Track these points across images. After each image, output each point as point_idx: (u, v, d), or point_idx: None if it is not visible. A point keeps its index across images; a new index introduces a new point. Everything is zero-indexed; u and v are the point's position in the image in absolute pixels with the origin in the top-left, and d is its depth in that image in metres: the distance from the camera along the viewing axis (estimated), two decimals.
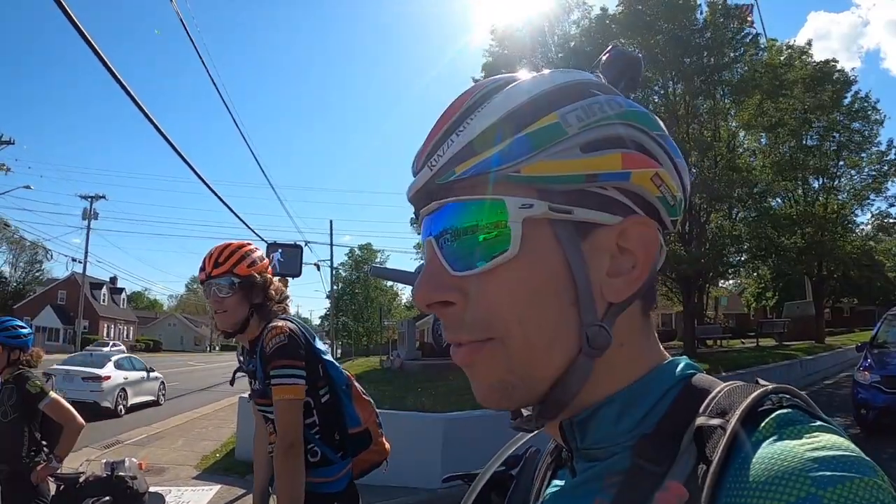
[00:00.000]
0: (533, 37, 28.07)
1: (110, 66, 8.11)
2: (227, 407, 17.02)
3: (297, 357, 2.71)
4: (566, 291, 0.68)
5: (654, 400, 0.70)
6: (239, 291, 2.80)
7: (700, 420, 0.63)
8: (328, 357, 2.96)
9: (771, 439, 0.57)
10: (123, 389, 18.02)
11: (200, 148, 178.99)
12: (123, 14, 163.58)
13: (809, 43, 33.10)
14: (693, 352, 25.09)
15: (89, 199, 63.97)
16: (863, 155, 34.19)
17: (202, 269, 2.84)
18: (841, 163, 34.16)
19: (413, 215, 0.82)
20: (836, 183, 34.95)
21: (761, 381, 0.67)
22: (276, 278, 3.05)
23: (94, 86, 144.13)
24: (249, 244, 2.95)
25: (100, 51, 7.80)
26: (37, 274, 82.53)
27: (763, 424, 0.59)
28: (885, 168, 33.85)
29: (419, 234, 0.79)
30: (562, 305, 0.69)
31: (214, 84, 13.47)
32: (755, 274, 40.34)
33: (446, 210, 0.70)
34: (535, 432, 0.88)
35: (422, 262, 0.84)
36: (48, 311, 68.53)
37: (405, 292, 75.78)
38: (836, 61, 32.47)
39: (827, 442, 0.55)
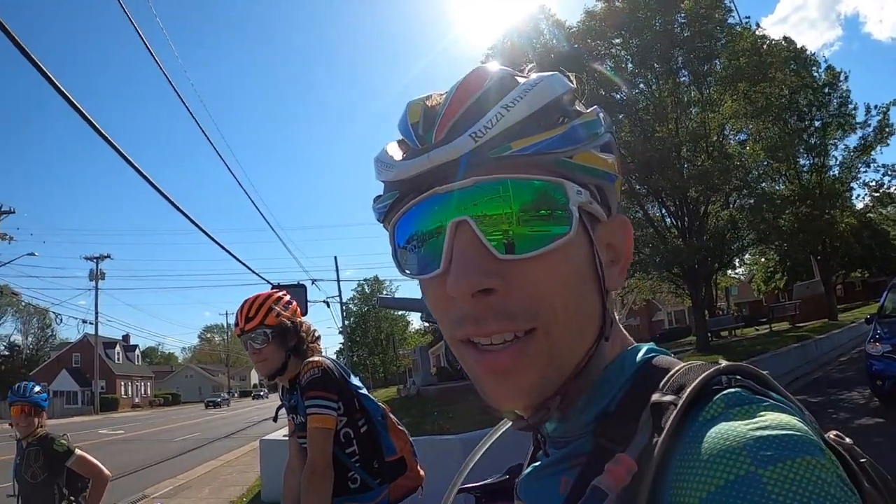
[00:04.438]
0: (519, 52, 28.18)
1: (107, 135, 8.22)
2: (249, 452, 17.07)
3: (329, 389, 2.86)
4: (594, 279, 0.71)
5: (619, 386, 0.72)
6: (273, 340, 2.96)
7: (655, 396, 0.65)
8: (363, 391, 3.12)
9: (719, 417, 0.59)
10: None
11: (201, 197, 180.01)
12: (112, 73, 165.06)
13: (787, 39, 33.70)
14: (707, 344, 25.01)
15: (95, 260, 64.43)
16: (847, 128, 34.76)
17: (236, 324, 3.01)
18: (831, 141, 34.52)
19: (391, 200, 0.72)
20: (826, 161, 35.20)
21: (721, 361, 0.68)
22: (305, 319, 3.21)
23: (91, 150, 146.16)
24: (276, 293, 3.12)
25: (96, 123, 7.93)
26: (49, 339, 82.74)
27: (711, 403, 0.61)
28: (869, 134, 34.29)
29: (384, 219, 0.75)
30: (592, 291, 0.71)
31: (209, 140, 13.62)
32: (762, 259, 40.37)
33: (491, 187, 0.65)
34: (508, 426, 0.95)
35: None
36: (64, 375, 68.45)
37: (416, 320, 76.02)
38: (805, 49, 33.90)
39: (772, 421, 0.56)
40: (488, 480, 3.73)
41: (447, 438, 9.21)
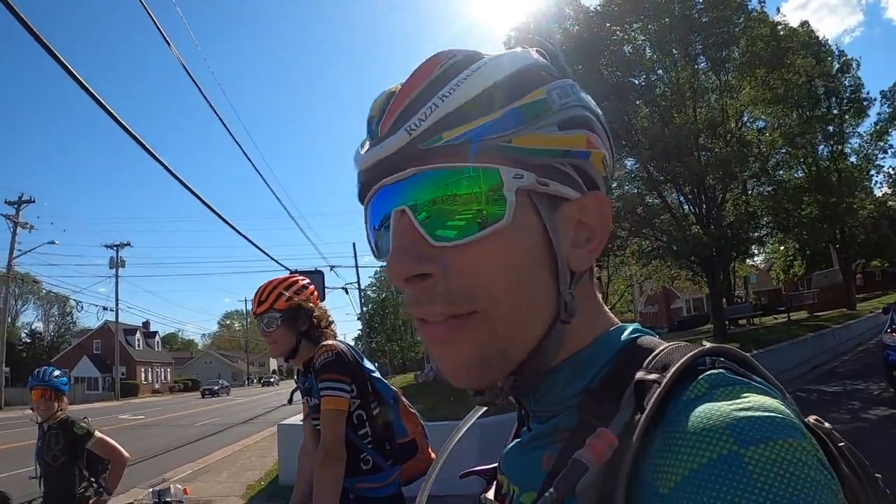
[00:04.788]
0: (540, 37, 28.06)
1: (126, 124, 8.29)
2: (268, 437, 17.25)
3: (342, 372, 2.91)
4: (546, 262, 0.70)
5: (603, 362, 0.73)
6: (284, 323, 3.04)
7: (639, 374, 0.65)
8: (376, 374, 3.18)
9: (702, 397, 0.59)
10: None
11: (220, 184, 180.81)
12: (129, 61, 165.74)
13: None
14: (724, 332, 24.89)
15: (115, 248, 64.75)
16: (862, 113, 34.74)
17: (252, 308, 3.12)
18: (848, 128, 34.37)
19: (359, 189, 0.76)
20: (844, 148, 34.94)
21: (705, 342, 0.69)
22: (321, 304, 3.28)
23: (110, 139, 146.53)
24: (291, 278, 3.19)
25: (111, 109, 8.00)
26: (70, 326, 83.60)
27: (695, 383, 0.61)
28: (885, 117, 34.49)
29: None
30: (543, 275, 0.70)
31: (227, 128, 13.65)
32: (781, 248, 40.08)
33: (426, 177, 0.67)
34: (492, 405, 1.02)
35: None
36: (85, 362, 69.00)
37: None
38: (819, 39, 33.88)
39: (755, 402, 0.56)
40: (497, 464, 3.78)
41: (458, 426, 9.23)
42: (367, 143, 0.73)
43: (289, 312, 3.04)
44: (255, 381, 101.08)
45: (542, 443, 0.74)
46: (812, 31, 33.97)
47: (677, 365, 0.63)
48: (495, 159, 0.67)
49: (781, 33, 27.83)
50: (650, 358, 0.68)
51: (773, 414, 0.55)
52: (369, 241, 0.78)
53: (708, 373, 0.62)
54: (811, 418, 0.66)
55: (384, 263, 0.74)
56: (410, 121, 0.67)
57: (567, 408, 0.73)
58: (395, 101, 0.70)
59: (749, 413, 0.55)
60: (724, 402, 0.57)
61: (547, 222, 0.70)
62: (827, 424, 0.66)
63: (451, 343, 0.70)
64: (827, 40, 35.23)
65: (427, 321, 0.71)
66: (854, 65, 34.87)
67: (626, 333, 0.76)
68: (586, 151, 0.72)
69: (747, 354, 0.68)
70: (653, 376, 0.64)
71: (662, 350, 0.70)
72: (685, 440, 0.56)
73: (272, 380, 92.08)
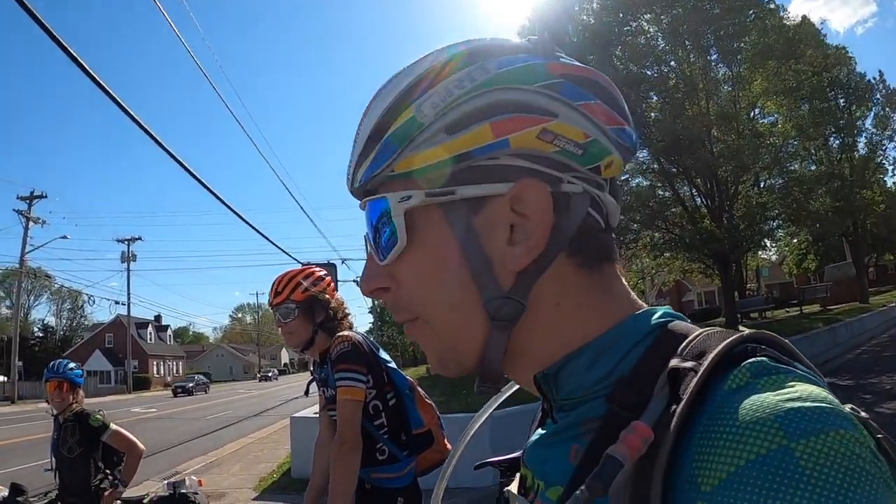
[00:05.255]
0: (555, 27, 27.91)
1: (138, 118, 8.33)
2: (280, 430, 17.33)
3: (358, 362, 2.92)
4: (463, 270, 0.70)
5: (628, 347, 0.68)
6: (300, 315, 3.05)
7: (674, 362, 0.61)
8: (392, 365, 3.19)
9: (745, 387, 0.56)
10: None
11: (230, 177, 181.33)
12: (142, 55, 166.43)
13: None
14: (735, 326, 24.83)
15: (126, 242, 65.24)
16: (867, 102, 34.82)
17: (269, 299, 3.13)
18: (858, 119, 34.43)
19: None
20: (855, 140, 34.93)
21: (742, 329, 0.66)
22: (337, 295, 3.27)
23: (122, 133, 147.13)
24: (307, 269, 3.21)
25: (127, 106, 8.03)
26: (81, 320, 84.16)
27: (737, 371, 0.57)
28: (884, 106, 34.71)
29: None
30: (462, 284, 0.70)
31: (239, 122, 13.72)
32: (794, 241, 40.00)
33: (367, 208, 0.75)
34: (510, 392, 0.99)
35: None
36: (97, 356, 69.49)
37: None
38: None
39: (802, 392, 0.53)
40: (513, 455, 3.78)
41: (475, 417, 9.27)
42: None
43: (305, 303, 3.05)
44: (275, 374, 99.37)
45: (569, 435, 0.71)
46: (812, 23, 33.99)
47: (715, 352, 0.59)
48: (389, 187, 0.71)
49: (790, 24, 27.77)
50: (684, 344, 0.64)
51: (821, 404, 0.52)
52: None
53: (749, 360, 0.58)
54: (847, 407, 0.58)
55: None
56: (350, 162, 0.75)
57: (593, 397, 0.68)
58: (355, 141, 0.76)
59: (797, 404, 0.52)
60: (769, 393, 0.54)
61: (457, 231, 0.69)
62: (863, 413, 0.58)
63: (418, 341, 0.77)
64: (822, 31, 35.44)
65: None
66: (854, 63, 35.25)
67: (655, 317, 0.71)
68: (499, 141, 0.67)
69: (787, 341, 0.64)
70: (688, 364, 0.60)
71: (698, 336, 0.65)
72: (728, 434, 0.52)
73: (270, 374, 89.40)
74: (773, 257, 54.84)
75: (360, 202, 0.76)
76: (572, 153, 0.68)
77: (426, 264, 0.72)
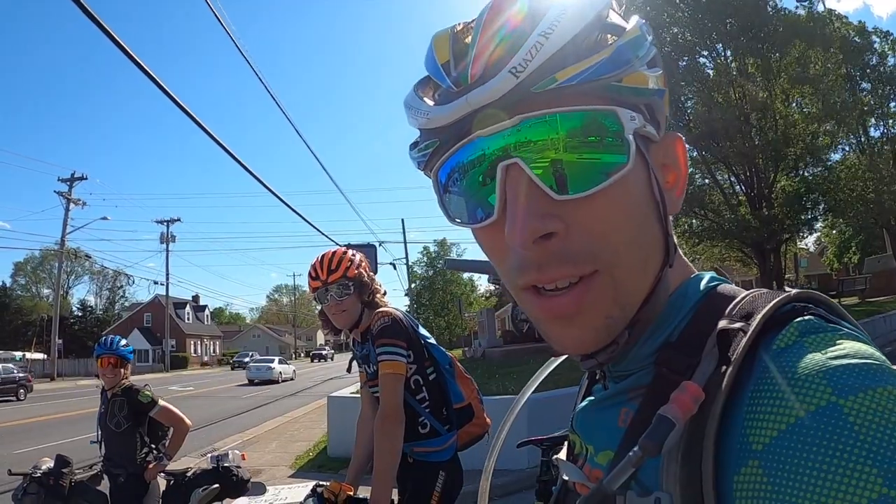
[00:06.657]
0: None
1: (179, 100, 8.44)
2: (316, 409, 17.55)
3: (399, 337, 2.96)
4: (654, 206, 0.67)
5: (681, 316, 0.69)
6: (354, 292, 3.08)
7: (722, 323, 0.61)
8: (431, 341, 3.23)
9: (793, 346, 0.56)
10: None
11: (270, 161, 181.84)
12: (182, 38, 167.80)
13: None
14: None
15: (166, 224, 66.13)
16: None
17: (316, 277, 3.08)
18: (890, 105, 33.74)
19: (431, 149, 0.68)
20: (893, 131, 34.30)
21: (787, 289, 0.66)
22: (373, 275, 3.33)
23: (162, 115, 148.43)
24: (347, 250, 3.23)
25: (168, 88, 8.13)
26: (122, 300, 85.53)
27: (785, 331, 0.58)
28: None
29: (424, 168, 0.72)
30: (655, 220, 0.67)
31: (280, 106, 13.80)
32: (833, 231, 39.30)
33: (538, 124, 0.60)
34: (556, 364, 1.00)
35: None
36: (136, 335, 70.19)
37: (482, 283, 75.45)
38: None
39: (850, 349, 0.53)
40: (555, 434, 3.80)
41: (512, 399, 9.28)
42: (441, 92, 0.67)
43: (358, 281, 3.08)
44: (301, 355, 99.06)
45: (618, 400, 0.71)
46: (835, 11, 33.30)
47: (763, 311, 0.60)
48: (610, 101, 0.61)
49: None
50: (732, 305, 0.65)
51: (869, 361, 0.52)
52: (443, 202, 0.71)
53: (798, 319, 0.58)
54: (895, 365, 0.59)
55: (466, 229, 0.69)
56: (513, 61, 0.59)
57: (645, 365, 0.69)
58: (482, 41, 0.63)
59: (845, 361, 0.52)
60: (817, 351, 0.54)
61: (652, 167, 0.66)
62: None
63: (579, 315, 0.64)
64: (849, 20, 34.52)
65: (546, 293, 0.64)
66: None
67: (704, 282, 0.72)
68: (663, 89, 0.67)
69: (832, 300, 0.63)
70: (737, 325, 0.60)
71: (745, 297, 0.66)
72: (778, 393, 0.53)
73: (325, 353, 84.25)
74: (811, 248, 53.94)
75: (506, 115, 0.60)
76: (667, 118, 0.71)
77: (636, 197, 0.65)
